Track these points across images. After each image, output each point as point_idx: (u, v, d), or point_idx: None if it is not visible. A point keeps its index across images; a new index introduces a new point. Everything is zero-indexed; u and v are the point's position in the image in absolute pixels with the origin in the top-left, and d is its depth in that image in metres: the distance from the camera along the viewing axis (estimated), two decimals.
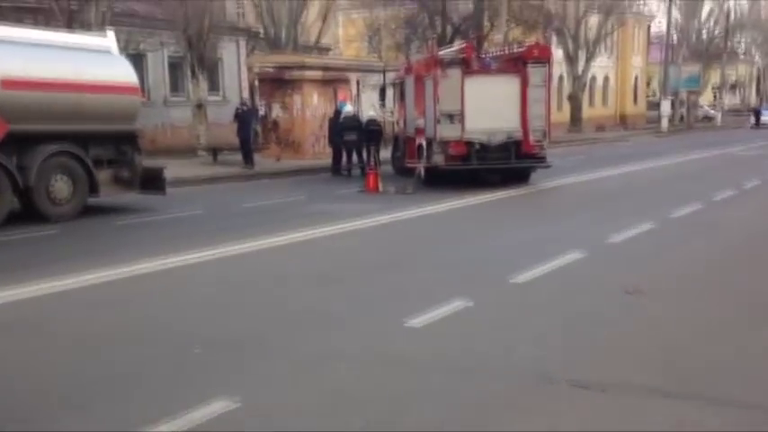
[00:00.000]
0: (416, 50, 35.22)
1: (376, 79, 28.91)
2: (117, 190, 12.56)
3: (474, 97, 15.05)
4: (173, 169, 18.99)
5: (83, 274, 7.44)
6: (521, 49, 15.73)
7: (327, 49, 33.78)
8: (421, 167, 16.19)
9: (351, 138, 19.56)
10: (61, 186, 11.45)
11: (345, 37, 44.17)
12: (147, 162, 13.47)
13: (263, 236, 9.64)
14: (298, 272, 7.73)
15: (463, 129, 15.18)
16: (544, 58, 15.23)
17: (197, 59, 23.21)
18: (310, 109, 23.23)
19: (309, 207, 13.29)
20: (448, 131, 15.19)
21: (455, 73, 15.08)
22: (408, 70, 17.94)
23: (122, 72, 12.56)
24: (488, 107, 15.08)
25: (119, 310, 6.34)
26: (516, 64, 15.39)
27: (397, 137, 20.02)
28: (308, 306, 6.36)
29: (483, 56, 16.21)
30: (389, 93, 21.18)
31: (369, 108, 22.17)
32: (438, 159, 15.43)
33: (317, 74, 23.27)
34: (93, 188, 11.96)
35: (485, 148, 15.29)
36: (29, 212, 11.28)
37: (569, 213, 12.18)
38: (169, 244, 9.32)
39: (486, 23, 35.48)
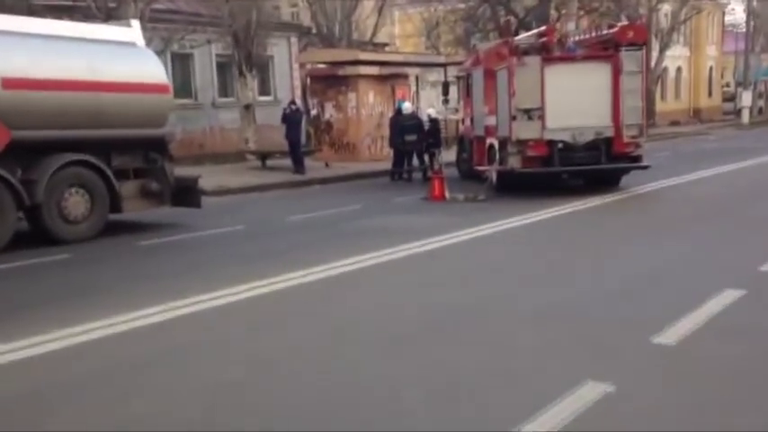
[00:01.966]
0: (479, 42, 33.32)
1: (435, 76, 26.94)
2: (144, 205, 10.84)
3: (556, 89, 12.87)
4: (218, 177, 17.47)
5: (85, 321, 5.67)
6: (611, 31, 13.45)
7: (384, 45, 31.86)
8: (493, 172, 14.09)
9: (411, 139, 17.65)
10: (76, 202, 9.78)
11: (402, 33, 42.33)
12: (180, 171, 11.75)
13: (308, 265, 7.70)
14: (353, 324, 5.74)
15: (544, 126, 13.01)
16: (640, 41, 12.95)
17: (245, 58, 21.59)
18: (366, 108, 21.34)
19: (366, 220, 11.36)
20: (525, 130, 13.04)
21: (533, 61, 12.92)
22: (476, 61, 15.86)
23: (149, 67, 10.85)
24: (573, 100, 12.89)
25: (118, 381, 4.49)
26: (606, 49, 13.15)
27: (462, 137, 17.97)
28: (370, 387, 4.38)
29: (566, 40, 14.02)
30: (453, 88, 19.08)
31: (428, 106, 20.16)
32: (514, 162, 13.30)
33: (374, 70, 21.35)
34: (115, 204, 10.26)
35: (569, 148, 13.09)
36: (38, 233, 9.64)
37: (689, 228, 9.85)
38: (198, 275, 7.51)
39: (553, 12, 33.22)
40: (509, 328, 5.44)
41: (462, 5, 34.88)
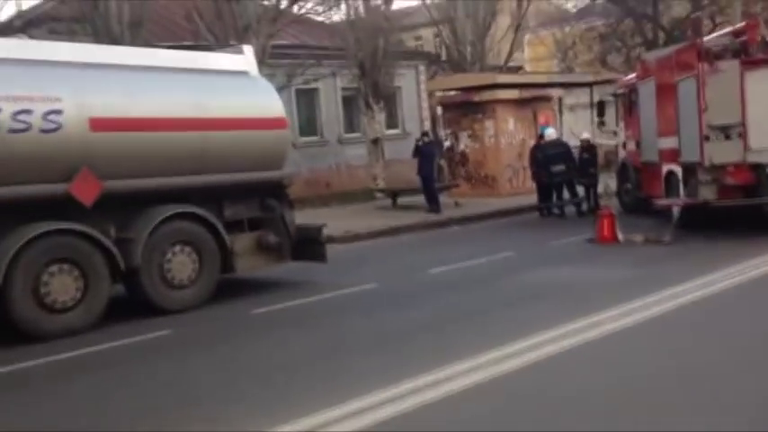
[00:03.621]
0: (622, 62, 30.53)
1: (573, 99, 24.36)
2: (261, 261, 9.12)
3: (761, 100, 10.20)
4: (345, 219, 15.73)
5: None
6: None
7: (518, 69, 29.56)
8: (677, 206, 11.45)
9: (559, 169, 15.24)
10: (181, 263, 8.15)
11: (533, 57, 39.93)
12: (305, 215, 10.02)
13: (469, 350, 5.59)
14: None
15: (747, 147, 10.33)
16: None
17: (371, 89, 20.03)
18: (505, 136, 19.09)
19: (527, 274, 9.11)
20: (722, 152, 10.40)
21: (731, 67, 10.31)
22: (643, 74, 13.32)
23: (264, 100, 9.22)
24: None
25: None
26: None
27: (623, 164, 15.33)
28: None
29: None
30: (609, 109, 16.49)
31: (580, 131, 17.66)
32: (706, 193, 10.64)
33: (513, 93, 19.10)
34: (227, 262, 8.59)
35: None
36: (136, 299, 8.07)
37: None
38: (322, 373, 5.58)
39: (707, 22, 29.80)
40: None
41: (599, 22, 32.25)
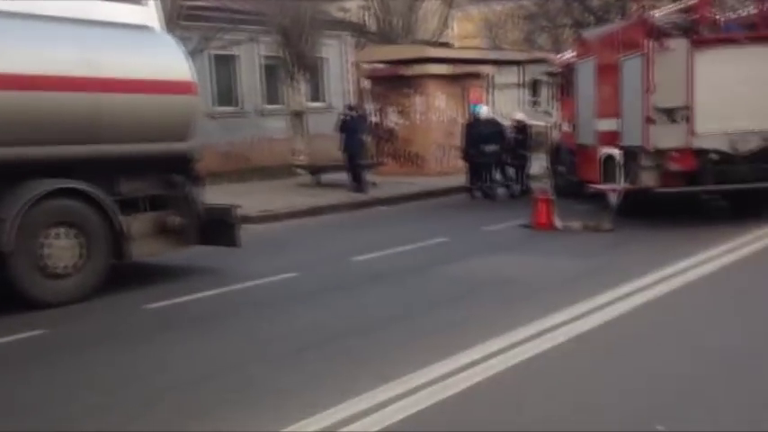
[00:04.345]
0: (550, 42, 30.25)
1: (503, 78, 23.71)
2: (161, 246, 7.95)
3: (710, 82, 9.65)
4: (263, 196, 14.59)
5: None
6: None
7: (447, 45, 28.74)
8: (616, 192, 10.84)
9: (492, 149, 14.59)
10: (61, 248, 6.90)
11: (462, 33, 39.32)
12: (221, 191, 8.90)
13: (398, 371, 4.67)
14: None
15: (692, 131, 9.77)
16: None
17: (295, 58, 18.76)
18: (435, 113, 18.24)
19: (461, 264, 8.27)
20: (666, 136, 9.81)
21: (679, 45, 9.69)
22: (583, 52, 12.65)
23: (168, 59, 7.98)
24: (733, 96, 9.63)
25: None
26: None
27: (557, 146, 14.74)
28: None
29: (721, 18, 10.71)
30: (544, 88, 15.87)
31: (510, 109, 17.00)
32: (648, 179, 10.06)
33: (444, 69, 18.23)
34: (120, 247, 7.38)
35: (727, 159, 9.81)
36: (7, 291, 6.79)
37: None
38: (222, 391, 4.54)
39: (634, 5, 29.79)
40: None
41: (528, 1, 31.88)
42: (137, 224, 7.63)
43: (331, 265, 8.55)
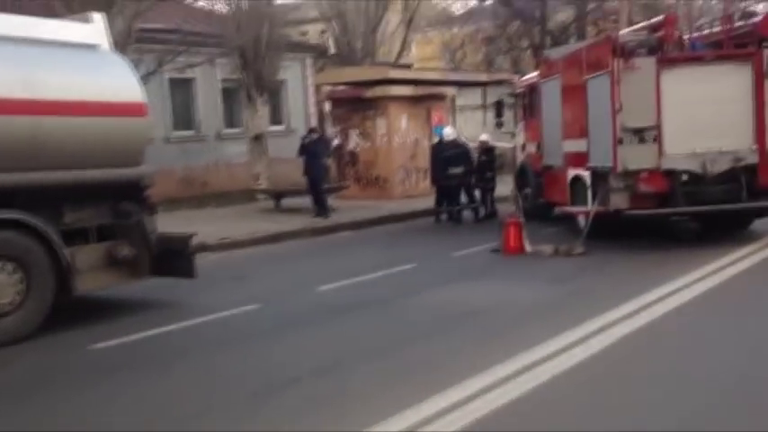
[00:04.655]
0: (509, 64, 30.42)
1: (463, 100, 23.62)
2: (110, 279, 7.40)
3: (677, 101, 9.50)
4: (222, 223, 14.06)
5: None
6: (752, 21, 10.05)
7: (408, 67, 28.61)
8: (585, 215, 10.60)
9: (457, 171, 14.33)
10: None
11: (422, 56, 39.39)
12: (177, 219, 8.39)
13: (365, 416, 4.25)
14: None
15: (661, 152, 9.59)
16: None
17: (254, 80, 18.32)
18: (398, 135, 17.95)
19: (430, 293, 7.88)
20: (636, 157, 9.60)
21: (645, 64, 9.53)
22: (548, 72, 12.48)
23: (117, 80, 7.50)
24: (702, 116, 9.50)
25: None
26: (744, 45, 9.74)
27: (523, 167, 14.53)
28: None
29: (688, 37, 10.61)
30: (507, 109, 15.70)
31: (472, 131, 16.82)
32: (618, 201, 9.82)
33: (407, 90, 17.99)
34: (65, 282, 6.83)
35: (697, 180, 9.64)
36: None
37: None
38: None
39: (591, 29, 30.14)
40: None
41: (487, 24, 32.09)
42: (83, 256, 7.09)
43: (294, 297, 8.10)
